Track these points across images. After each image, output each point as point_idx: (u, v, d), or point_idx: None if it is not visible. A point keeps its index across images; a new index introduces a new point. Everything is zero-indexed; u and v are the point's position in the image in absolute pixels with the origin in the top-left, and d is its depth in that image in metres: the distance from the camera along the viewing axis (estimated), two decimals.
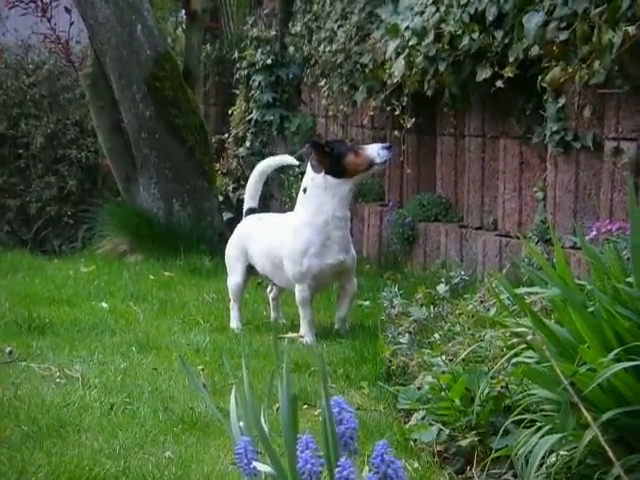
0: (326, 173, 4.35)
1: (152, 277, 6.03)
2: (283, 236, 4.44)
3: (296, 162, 5.00)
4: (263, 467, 1.84)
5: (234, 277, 4.72)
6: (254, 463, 1.84)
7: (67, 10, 7.99)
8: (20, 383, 3.54)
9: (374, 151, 4.34)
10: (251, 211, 4.84)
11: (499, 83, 4.75)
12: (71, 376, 3.66)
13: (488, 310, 3.42)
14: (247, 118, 8.15)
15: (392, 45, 5.57)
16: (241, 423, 1.99)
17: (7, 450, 2.80)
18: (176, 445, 2.89)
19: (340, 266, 4.39)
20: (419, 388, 3.08)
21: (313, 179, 4.38)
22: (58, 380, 3.62)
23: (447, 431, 2.79)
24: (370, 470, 1.78)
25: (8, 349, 4.02)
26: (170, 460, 2.75)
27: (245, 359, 2.18)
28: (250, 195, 4.87)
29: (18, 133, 8.91)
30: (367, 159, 4.33)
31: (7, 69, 9.12)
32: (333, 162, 4.34)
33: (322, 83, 7.14)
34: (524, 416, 2.41)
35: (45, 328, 4.48)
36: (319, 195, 4.36)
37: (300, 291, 4.38)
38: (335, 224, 4.35)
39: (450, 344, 3.20)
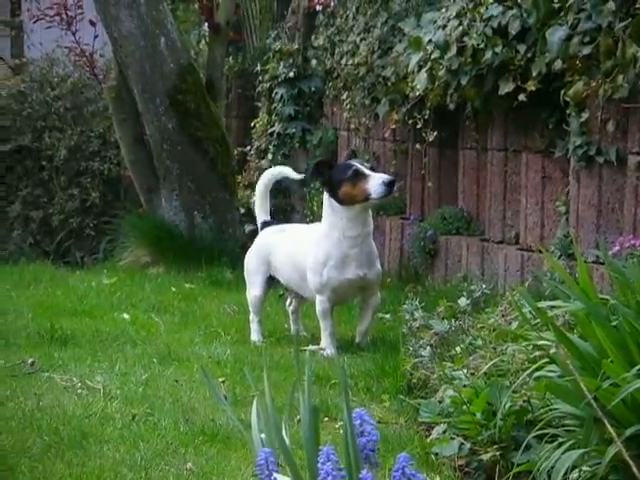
0: (329, 197, 4.34)
1: (174, 289, 6.05)
2: (307, 247, 4.44)
3: (297, 176, 4.88)
4: (284, 479, 1.84)
5: (254, 290, 4.71)
6: (275, 475, 1.84)
7: (92, 23, 8.06)
8: (42, 394, 3.56)
9: (373, 185, 4.17)
10: (266, 224, 4.83)
11: (522, 97, 4.74)
12: (93, 387, 3.67)
13: (510, 324, 3.41)
14: (269, 131, 8.18)
15: (414, 58, 5.57)
16: (262, 435, 1.99)
17: (29, 460, 2.81)
18: (197, 457, 2.89)
19: (361, 281, 4.37)
20: (440, 402, 3.07)
21: (324, 198, 4.38)
22: (80, 391, 3.63)
23: (468, 445, 2.78)
24: None
25: (30, 360, 4.04)
26: (191, 472, 2.75)
27: (266, 371, 2.18)
28: (261, 209, 4.84)
29: (42, 145, 8.97)
30: (364, 192, 4.19)
31: (32, 82, 9.19)
32: (332, 189, 4.30)
33: (344, 96, 7.15)
34: (546, 431, 2.40)
35: (67, 339, 4.50)
36: (329, 214, 4.35)
37: (320, 302, 4.37)
38: (349, 243, 4.31)
39: (471, 358, 3.19)
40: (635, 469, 1.64)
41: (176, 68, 7.13)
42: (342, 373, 2.04)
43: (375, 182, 4.17)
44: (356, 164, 4.31)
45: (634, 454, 2.14)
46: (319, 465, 1.79)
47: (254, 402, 2.10)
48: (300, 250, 4.48)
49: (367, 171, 4.26)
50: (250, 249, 4.83)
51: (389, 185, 4.17)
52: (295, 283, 4.57)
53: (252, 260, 4.75)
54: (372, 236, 4.42)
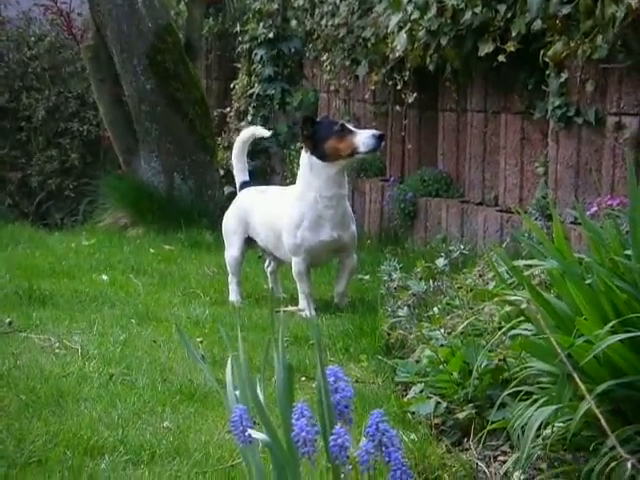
0: (311, 154, 4.32)
1: (152, 250, 6.03)
2: (284, 208, 4.43)
3: (267, 133, 4.89)
4: (258, 435, 1.85)
5: (232, 250, 4.71)
6: (249, 431, 1.84)
7: None
8: (20, 353, 3.55)
9: (361, 138, 4.21)
10: (245, 184, 4.82)
11: (501, 58, 4.73)
12: (70, 347, 3.67)
13: (487, 284, 3.42)
14: (249, 92, 8.13)
15: (394, 19, 5.53)
16: (237, 392, 1.99)
17: (6, 419, 2.81)
18: (174, 415, 2.90)
19: (335, 243, 4.36)
20: (417, 361, 3.08)
21: (302, 157, 4.37)
22: (57, 351, 3.63)
23: (445, 404, 2.80)
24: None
25: (8, 320, 4.03)
26: (168, 430, 2.76)
27: (241, 330, 2.18)
28: (239, 169, 4.84)
29: (20, 106, 8.90)
30: (351, 146, 4.22)
31: (9, 41, 9.09)
32: (316, 144, 4.29)
33: (324, 57, 7.10)
34: (521, 388, 2.41)
35: (45, 299, 4.49)
36: (306, 174, 4.34)
37: (296, 264, 4.37)
38: (324, 203, 4.30)
39: (449, 317, 3.21)
40: (606, 425, 1.65)
41: (154, 28, 7.06)
42: (316, 330, 2.04)
43: (363, 136, 4.23)
44: (343, 121, 4.47)
45: (606, 410, 2.16)
46: (293, 421, 1.79)
47: (229, 360, 2.10)
48: (277, 212, 4.48)
49: (354, 128, 4.35)
50: (229, 209, 4.82)
51: (378, 138, 4.22)
52: (272, 244, 4.57)
53: (230, 220, 4.74)
54: (347, 199, 4.43)
